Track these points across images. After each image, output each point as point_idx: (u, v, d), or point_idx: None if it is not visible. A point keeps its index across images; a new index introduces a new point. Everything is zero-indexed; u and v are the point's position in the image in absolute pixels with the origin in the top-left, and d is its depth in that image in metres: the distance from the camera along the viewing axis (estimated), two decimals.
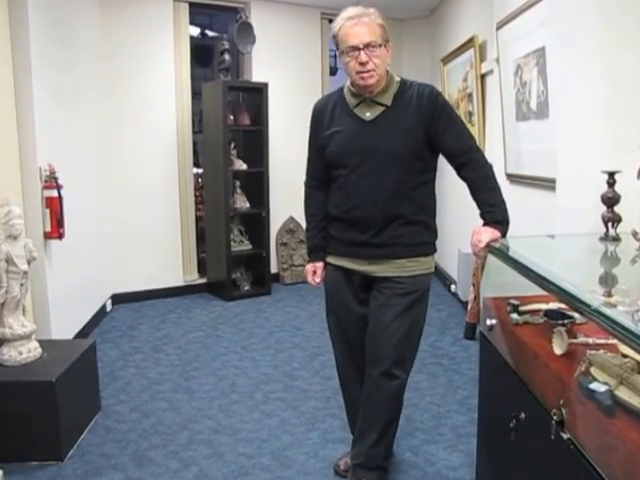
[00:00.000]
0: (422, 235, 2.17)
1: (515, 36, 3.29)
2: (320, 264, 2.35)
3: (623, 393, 1.26)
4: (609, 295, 1.60)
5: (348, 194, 2.14)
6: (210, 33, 5.99)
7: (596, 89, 2.21)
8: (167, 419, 3.00)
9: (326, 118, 2.19)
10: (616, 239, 2.05)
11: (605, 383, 1.31)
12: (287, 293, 5.53)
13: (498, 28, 3.51)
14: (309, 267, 2.38)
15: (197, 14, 5.42)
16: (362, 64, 2.00)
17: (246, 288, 5.46)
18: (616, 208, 2.05)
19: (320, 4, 5.71)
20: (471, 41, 4.43)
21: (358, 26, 2.00)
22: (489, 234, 1.98)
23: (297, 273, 5.83)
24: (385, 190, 2.08)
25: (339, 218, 2.20)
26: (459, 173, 2.15)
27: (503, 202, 2.08)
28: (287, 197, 5.55)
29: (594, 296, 1.49)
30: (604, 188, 2.06)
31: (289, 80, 5.68)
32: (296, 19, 5.72)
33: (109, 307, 4.94)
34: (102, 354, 3.76)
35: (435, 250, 2.25)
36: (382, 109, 2.09)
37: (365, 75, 2.02)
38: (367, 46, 1.99)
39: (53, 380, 2.56)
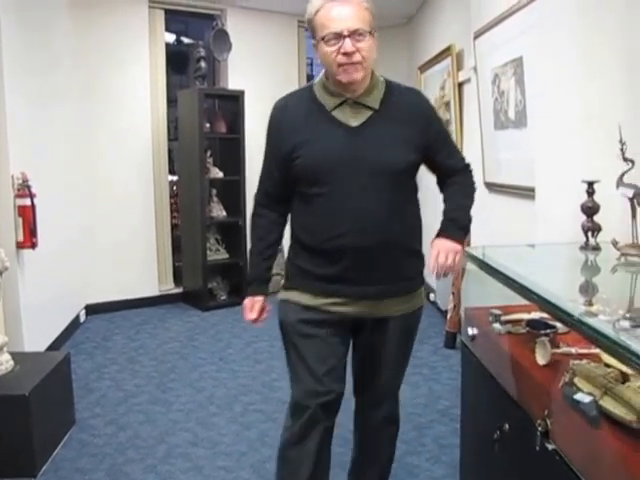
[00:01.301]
0: (417, 265, 1.88)
1: (492, 46, 3.33)
2: (260, 299, 1.93)
3: (608, 403, 1.28)
4: (590, 304, 1.62)
5: (330, 219, 1.72)
6: (185, 40, 5.97)
7: (575, 99, 2.25)
8: (144, 432, 2.96)
9: (293, 122, 1.76)
10: (596, 248, 2.07)
11: (590, 393, 1.33)
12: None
13: (475, 37, 3.55)
14: (247, 302, 1.94)
15: (172, 21, 5.40)
16: (347, 55, 1.63)
17: (223, 298, 5.42)
18: (596, 217, 2.07)
19: (297, 12, 5.70)
20: (448, 50, 4.47)
21: (343, 7, 1.63)
22: (453, 254, 1.74)
23: (274, 283, 5.80)
24: (379, 213, 1.71)
25: (316, 249, 1.77)
26: (441, 182, 1.96)
27: (470, 214, 1.89)
28: None
29: (575, 305, 1.51)
30: (584, 197, 2.09)
31: (266, 88, 5.66)
32: (272, 27, 5.72)
33: (83, 318, 4.87)
34: (76, 366, 3.70)
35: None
36: (369, 114, 1.73)
37: (350, 68, 1.64)
38: (353, 33, 1.62)
39: (26, 394, 2.51)
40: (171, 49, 5.53)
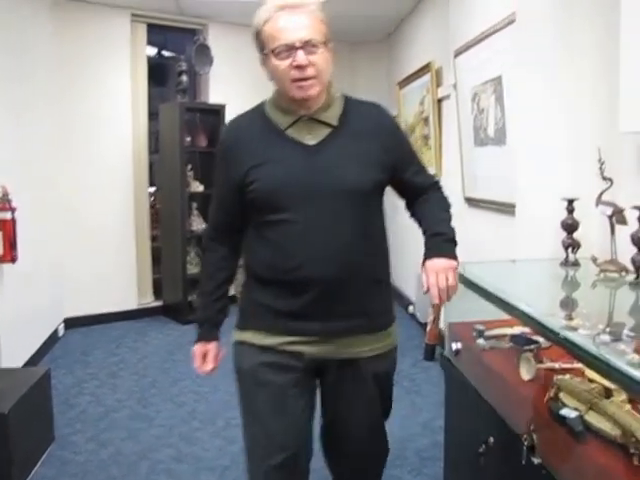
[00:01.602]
0: (386, 298, 1.68)
1: (472, 64, 3.40)
2: (213, 345, 1.69)
3: (593, 418, 1.31)
4: (570, 319, 1.66)
5: (289, 248, 1.53)
6: (167, 53, 5.97)
7: (554, 119, 2.31)
8: (126, 448, 2.93)
9: (245, 144, 1.59)
10: (576, 264, 2.12)
11: (575, 408, 1.36)
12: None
13: (456, 56, 3.62)
14: (198, 349, 1.69)
15: (154, 33, 5.40)
16: (300, 68, 1.47)
17: None
18: (575, 234, 2.12)
19: None
20: (428, 66, 4.54)
21: (294, 17, 1.48)
22: (452, 272, 1.50)
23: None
24: (344, 240, 1.52)
25: (272, 281, 1.57)
26: (410, 203, 1.75)
27: (453, 227, 1.65)
28: None
29: (556, 320, 1.55)
30: (564, 214, 2.13)
31: (247, 102, 5.58)
32: (246, 42, 5.73)
33: (62, 331, 4.80)
34: (56, 381, 3.64)
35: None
36: (327, 131, 1.56)
37: (305, 84, 1.49)
38: (306, 44, 1.47)
39: (5, 412, 2.46)
40: (152, 62, 5.52)
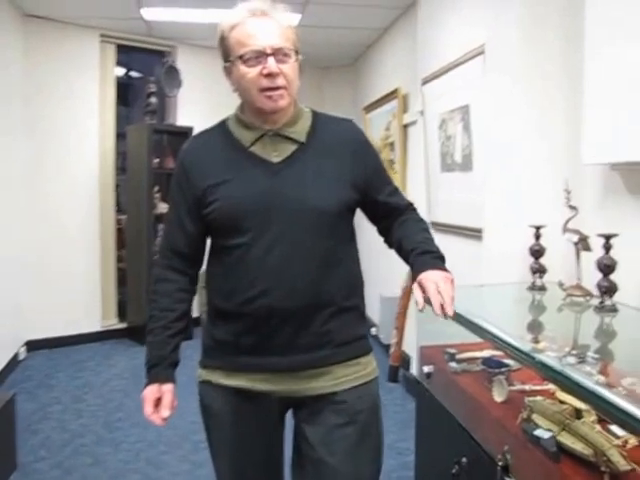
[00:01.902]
0: (358, 326, 1.50)
1: (440, 92, 3.50)
2: (169, 388, 1.45)
3: (566, 439, 1.36)
4: (537, 342, 1.73)
5: (249, 275, 1.39)
6: (134, 74, 5.96)
7: (522, 147, 2.40)
8: (92, 475, 2.87)
9: (205, 162, 1.46)
10: (542, 289, 2.20)
11: (548, 429, 1.41)
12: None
13: (424, 83, 3.72)
14: (149, 393, 1.44)
15: (123, 54, 5.40)
16: (270, 77, 1.37)
17: None
18: (542, 259, 2.20)
19: None
20: (394, 92, 4.65)
21: (264, 22, 1.39)
22: (449, 282, 1.33)
23: None
24: (308, 265, 1.40)
25: (233, 313, 1.43)
26: (385, 227, 1.60)
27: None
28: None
29: (524, 343, 1.61)
30: (531, 240, 2.22)
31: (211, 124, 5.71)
32: (215, 65, 5.79)
33: (23, 355, 4.69)
34: (18, 407, 3.55)
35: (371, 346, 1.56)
36: (294, 148, 1.45)
37: (274, 94, 1.38)
38: (278, 52, 1.38)
39: None
40: (121, 82, 5.51)
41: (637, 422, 1.07)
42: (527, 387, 1.73)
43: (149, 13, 4.64)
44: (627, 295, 1.88)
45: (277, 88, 1.39)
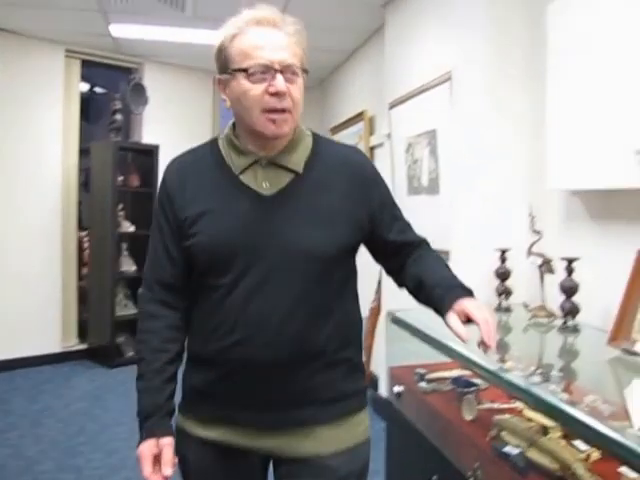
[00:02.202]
0: (348, 381, 1.34)
1: (407, 116, 3.62)
2: (168, 442, 1.28)
3: (534, 454, 1.45)
4: (503, 361, 1.82)
5: (228, 321, 1.26)
6: (101, 90, 5.97)
7: (488, 172, 2.52)
8: None
9: (191, 188, 1.31)
10: (508, 310, 2.30)
11: (517, 446, 1.49)
12: None
13: (391, 107, 3.84)
14: (146, 450, 1.26)
15: (88, 69, 5.40)
16: (277, 96, 1.23)
17: (130, 354, 5.29)
18: (507, 282, 2.31)
19: (212, 69, 5.85)
20: (361, 115, 4.78)
21: (273, 33, 1.25)
22: (488, 314, 1.21)
23: None
24: (295, 314, 1.25)
25: (209, 360, 1.30)
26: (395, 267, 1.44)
27: None
28: None
29: (491, 362, 1.70)
30: (497, 263, 2.32)
31: (181, 143, 5.67)
32: (189, 82, 5.85)
33: None
34: None
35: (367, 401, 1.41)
36: (289, 178, 1.30)
37: (279, 118, 1.24)
38: (287, 69, 1.24)
39: None
40: (85, 98, 5.51)
41: (600, 436, 1.15)
42: (496, 405, 1.82)
43: (117, 30, 4.68)
44: (589, 316, 2.00)
45: (283, 111, 1.24)
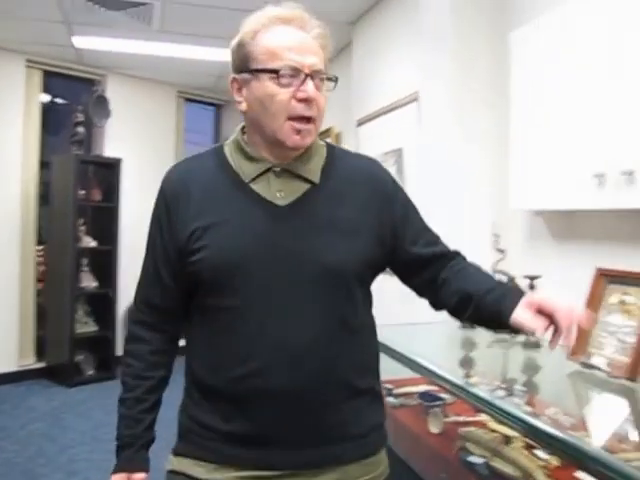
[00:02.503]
0: (372, 413, 1.25)
1: (374, 134, 3.75)
2: (140, 477, 1.24)
3: (497, 463, 1.55)
4: (469, 376, 1.93)
5: (241, 347, 1.15)
6: (62, 101, 5.96)
7: (453, 191, 2.64)
8: None
9: (195, 198, 1.20)
10: (473, 327, 2.40)
11: (481, 456, 1.59)
12: None
13: (358, 125, 3.97)
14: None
15: (49, 80, 5.40)
16: (306, 102, 1.14)
17: (90, 372, 5.27)
18: None
19: (177, 82, 5.97)
20: (328, 131, 4.89)
21: (302, 34, 1.16)
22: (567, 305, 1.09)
23: None
24: (316, 338, 1.15)
25: (220, 392, 1.18)
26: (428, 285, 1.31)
27: None
28: (137, 277, 5.53)
29: (458, 378, 1.80)
30: None
31: (144, 157, 5.78)
32: (152, 96, 5.90)
33: None
34: None
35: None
36: (305, 188, 1.21)
37: (305, 129, 1.16)
38: (316, 74, 1.16)
39: None
40: (47, 109, 5.50)
41: (562, 444, 1.25)
42: (461, 418, 1.92)
43: (80, 41, 4.71)
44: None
45: (308, 120, 1.16)
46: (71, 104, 5.47)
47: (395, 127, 3.42)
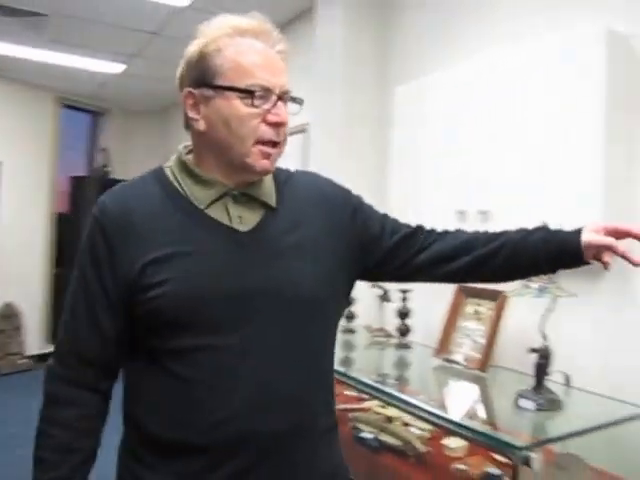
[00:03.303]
0: (336, 449, 1.20)
1: None
2: None
3: (384, 437, 1.98)
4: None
5: (214, 392, 1.02)
6: None
7: None
8: None
9: (139, 231, 1.06)
10: (352, 331, 2.85)
11: (371, 432, 2.02)
12: (2, 384, 5.33)
13: None
14: None
15: None
16: (278, 127, 1.07)
17: None
18: (353, 308, 2.86)
19: (56, 87, 5.94)
20: None
21: (270, 51, 1.08)
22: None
23: (12, 362, 5.66)
24: (292, 374, 1.06)
25: (181, 447, 1.03)
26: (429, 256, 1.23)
27: None
28: (4, 282, 5.49)
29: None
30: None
31: (21, 160, 5.69)
32: (29, 100, 5.85)
33: None
34: None
35: None
36: (262, 212, 1.12)
37: (274, 153, 1.08)
38: (284, 96, 1.08)
39: None
40: None
41: (436, 417, 1.70)
42: (349, 406, 2.34)
43: None
44: (417, 335, 2.60)
45: (275, 144, 1.07)
46: None
47: (282, 157, 3.78)
